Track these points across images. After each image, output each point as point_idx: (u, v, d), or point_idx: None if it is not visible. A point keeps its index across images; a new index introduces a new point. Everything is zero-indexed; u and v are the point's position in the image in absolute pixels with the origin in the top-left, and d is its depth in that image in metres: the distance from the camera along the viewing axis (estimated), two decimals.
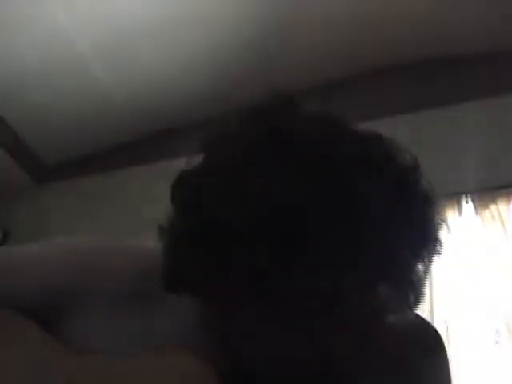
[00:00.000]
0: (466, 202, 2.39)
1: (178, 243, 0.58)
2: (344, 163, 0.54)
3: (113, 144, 3.17)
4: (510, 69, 2.57)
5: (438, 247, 0.57)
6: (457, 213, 2.38)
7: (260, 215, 0.52)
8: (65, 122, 3.05)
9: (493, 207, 2.33)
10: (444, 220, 0.58)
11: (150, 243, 0.74)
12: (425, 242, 0.56)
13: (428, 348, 0.68)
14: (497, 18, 2.53)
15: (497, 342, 2.04)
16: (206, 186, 0.56)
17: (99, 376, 0.57)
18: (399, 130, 2.60)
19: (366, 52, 2.80)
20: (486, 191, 2.37)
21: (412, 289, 0.56)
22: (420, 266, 0.56)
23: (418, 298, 0.57)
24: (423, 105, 2.67)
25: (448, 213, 2.38)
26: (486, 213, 2.33)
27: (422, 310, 2.16)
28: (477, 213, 2.35)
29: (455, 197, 2.40)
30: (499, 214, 2.31)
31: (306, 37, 2.71)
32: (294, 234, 0.52)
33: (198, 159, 0.60)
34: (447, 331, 2.10)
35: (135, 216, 2.88)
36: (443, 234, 0.57)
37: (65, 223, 2.97)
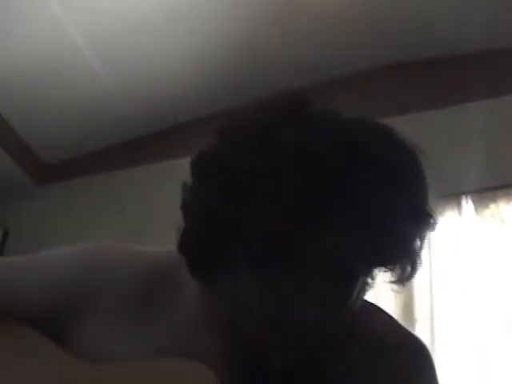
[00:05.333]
0: (466, 203, 2.39)
1: (199, 210, 0.60)
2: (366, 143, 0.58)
3: (113, 144, 3.17)
4: (510, 69, 2.57)
5: (432, 223, 0.61)
6: (457, 213, 2.38)
7: (281, 170, 0.55)
8: (65, 122, 3.04)
9: (493, 207, 2.33)
10: (435, 198, 0.62)
11: (150, 246, 0.74)
12: (423, 217, 0.60)
13: (415, 360, 0.69)
14: (497, 17, 2.54)
15: (497, 341, 2.04)
16: (226, 151, 0.60)
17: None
18: (399, 131, 2.60)
19: (366, 51, 2.80)
20: (486, 191, 2.37)
21: (410, 262, 0.60)
22: (418, 240, 0.60)
23: (414, 270, 0.61)
24: (423, 105, 2.67)
25: (448, 213, 2.38)
26: (486, 213, 2.33)
27: (424, 311, 2.16)
28: (477, 213, 2.35)
29: (455, 197, 2.40)
30: (499, 214, 2.31)
31: (305, 35, 2.71)
32: (312, 195, 0.55)
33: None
34: (447, 330, 2.10)
35: (135, 216, 2.88)
36: (436, 212, 0.61)
37: (65, 223, 2.97)
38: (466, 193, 2.40)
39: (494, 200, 2.35)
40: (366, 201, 0.55)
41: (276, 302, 0.58)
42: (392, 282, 0.62)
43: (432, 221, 0.61)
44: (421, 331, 2.10)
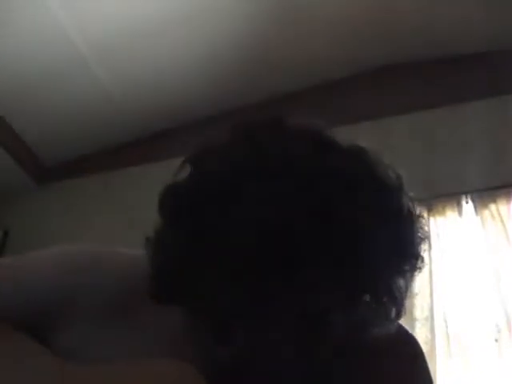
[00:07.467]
0: (466, 203, 2.39)
1: (166, 255, 0.59)
2: (328, 184, 0.55)
3: (113, 144, 3.17)
4: (510, 69, 2.57)
5: (419, 264, 0.59)
6: (457, 213, 2.38)
7: (249, 234, 0.53)
8: (65, 122, 3.05)
9: (493, 207, 2.33)
10: (426, 236, 0.59)
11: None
12: (407, 258, 0.57)
13: (405, 356, 0.69)
14: (497, 17, 2.54)
15: (497, 340, 2.04)
16: (196, 201, 0.57)
17: None
18: (399, 131, 2.61)
19: (366, 52, 2.80)
20: (486, 191, 2.37)
21: (394, 303, 0.58)
22: (402, 282, 0.58)
23: (399, 312, 0.59)
24: (423, 105, 2.68)
25: (448, 213, 2.38)
26: (486, 213, 2.33)
27: (423, 311, 2.16)
28: (477, 213, 2.35)
29: (455, 197, 2.40)
30: (499, 213, 2.31)
31: (305, 36, 2.71)
32: (280, 253, 0.53)
33: (184, 172, 0.61)
34: (447, 330, 2.10)
35: (135, 216, 2.88)
36: (425, 249, 0.59)
37: (65, 223, 2.97)
38: (466, 193, 2.40)
39: (493, 200, 2.35)
40: (337, 249, 0.53)
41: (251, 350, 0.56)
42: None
43: (418, 262, 0.58)
44: (421, 331, 2.10)
